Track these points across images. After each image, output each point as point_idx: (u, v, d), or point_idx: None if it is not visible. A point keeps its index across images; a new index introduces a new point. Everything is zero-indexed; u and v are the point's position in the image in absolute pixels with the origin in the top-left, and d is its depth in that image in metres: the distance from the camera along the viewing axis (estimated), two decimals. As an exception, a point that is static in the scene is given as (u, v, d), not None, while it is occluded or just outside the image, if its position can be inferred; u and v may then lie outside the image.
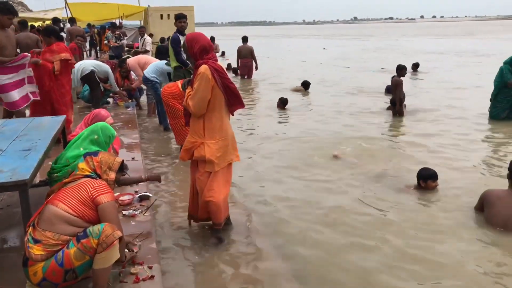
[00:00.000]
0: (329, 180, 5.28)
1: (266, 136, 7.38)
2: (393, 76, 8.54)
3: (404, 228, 4.02)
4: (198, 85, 3.34)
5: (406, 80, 9.39)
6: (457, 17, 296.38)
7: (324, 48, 32.30)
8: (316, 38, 54.26)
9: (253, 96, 11.93)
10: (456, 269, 3.40)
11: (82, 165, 2.86)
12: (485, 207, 4.06)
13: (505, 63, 8.00)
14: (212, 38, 18.36)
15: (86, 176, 2.78)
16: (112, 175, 2.89)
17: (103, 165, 2.88)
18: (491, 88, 8.23)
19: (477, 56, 22.33)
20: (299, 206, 4.56)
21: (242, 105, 3.63)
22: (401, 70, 8.38)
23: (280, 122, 8.53)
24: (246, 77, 14.55)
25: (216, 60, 3.52)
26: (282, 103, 9.58)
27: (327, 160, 6.00)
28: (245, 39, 14.44)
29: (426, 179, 4.76)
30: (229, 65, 16.83)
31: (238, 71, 14.91)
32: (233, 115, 3.69)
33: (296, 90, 12.00)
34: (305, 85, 11.99)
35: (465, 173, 5.48)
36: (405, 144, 6.81)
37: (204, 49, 3.43)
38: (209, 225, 3.88)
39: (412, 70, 15.16)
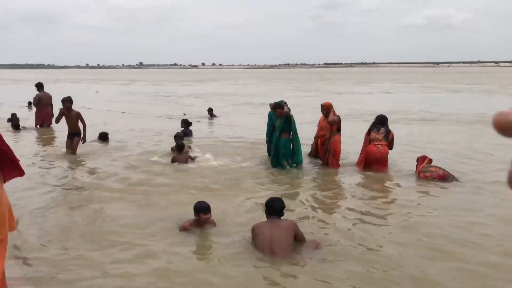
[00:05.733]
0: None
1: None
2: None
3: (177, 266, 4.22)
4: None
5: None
6: (233, 65, 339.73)
7: (96, 91, 32.89)
8: (92, 82, 53.15)
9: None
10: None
11: None
12: (254, 239, 4.60)
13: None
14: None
15: None
16: None
17: None
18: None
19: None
20: None
21: (20, 173, 3.03)
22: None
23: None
24: (46, 125, 13.44)
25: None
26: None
27: None
28: (41, 85, 13.48)
29: (199, 212, 4.93)
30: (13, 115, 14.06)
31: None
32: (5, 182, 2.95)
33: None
34: (103, 136, 11.04)
35: (240, 207, 5.99)
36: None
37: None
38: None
39: (209, 115, 16.34)
